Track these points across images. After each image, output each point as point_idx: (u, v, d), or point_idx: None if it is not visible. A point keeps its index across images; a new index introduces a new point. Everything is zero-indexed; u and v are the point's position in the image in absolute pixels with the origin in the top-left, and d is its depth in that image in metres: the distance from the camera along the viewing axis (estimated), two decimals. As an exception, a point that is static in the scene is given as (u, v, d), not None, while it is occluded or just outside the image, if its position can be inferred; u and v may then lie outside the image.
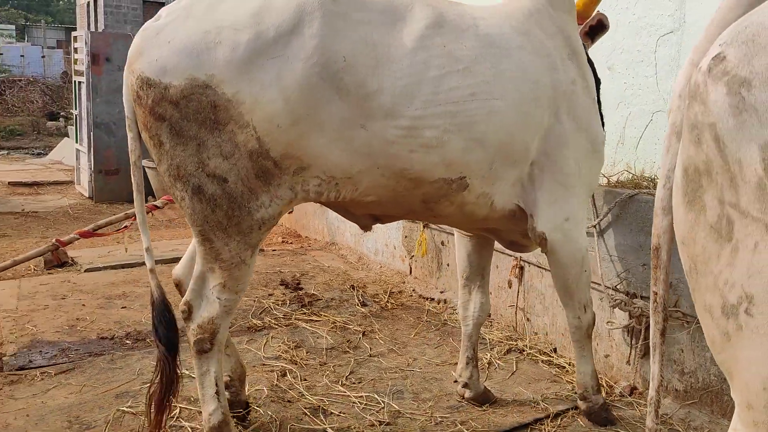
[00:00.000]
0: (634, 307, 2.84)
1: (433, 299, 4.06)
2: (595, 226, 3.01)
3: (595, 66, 2.60)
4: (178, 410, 2.58)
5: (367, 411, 2.66)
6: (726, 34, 0.93)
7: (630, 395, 2.87)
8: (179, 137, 1.86)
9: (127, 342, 3.28)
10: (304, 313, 3.74)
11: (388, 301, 4.03)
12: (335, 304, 3.93)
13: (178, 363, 2.16)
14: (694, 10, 3.16)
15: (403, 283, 4.40)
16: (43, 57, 22.64)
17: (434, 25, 2.05)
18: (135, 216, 4.74)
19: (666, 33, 3.34)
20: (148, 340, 3.28)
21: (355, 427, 2.52)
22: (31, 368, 2.92)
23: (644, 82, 3.42)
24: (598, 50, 3.20)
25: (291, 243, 5.64)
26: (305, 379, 2.91)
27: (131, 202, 6.60)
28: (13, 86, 16.11)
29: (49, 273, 4.40)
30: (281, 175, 1.94)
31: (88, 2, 21.00)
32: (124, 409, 2.58)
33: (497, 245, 2.81)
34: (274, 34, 1.84)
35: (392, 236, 4.64)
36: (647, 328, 2.83)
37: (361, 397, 2.77)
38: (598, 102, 2.51)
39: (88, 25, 20.91)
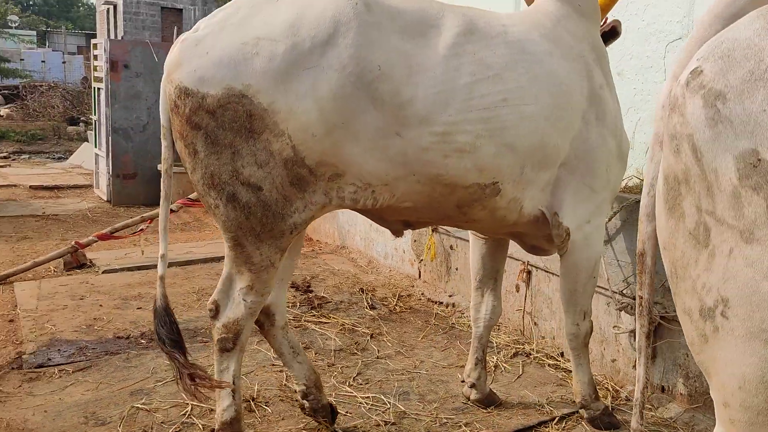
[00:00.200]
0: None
1: (441, 303, 4.10)
2: (601, 232, 3.04)
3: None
4: (189, 408, 2.65)
5: (373, 411, 2.72)
6: (703, 50, 0.98)
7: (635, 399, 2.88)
8: (215, 146, 1.90)
9: (142, 341, 3.37)
10: (314, 315, 3.81)
11: (396, 305, 4.09)
12: (344, 307, 4.00)
13: (187, 356, 2.17)
14: (701, 17, 3.18)
15: (412, 286, 4.45)
16: (63, 63, 23.09)
17: (465, 33, 2.09)
18: (151, 219, 4.88)
19: (675, 39, 3.36)
20: (162, 340, 3.37)
21: (361, 427, 2.58)
22: (50, 366, 3.02)
23: (653, 87, 3.44)
24: (606, 57, 3.23)
25: (302, 246, 5.71)
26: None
27: (148, 205, 6.78)
28: (34, 91, 16.43)
29: (68, 274, 4.51)
30: (316, 181, 1.97)
31: (108, 9, 21.40)
32: (139, 405, 2.66)
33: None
34: (310, 45, 1.88)
35: (402, 240, 4.69)
36: (653, 332, 2.85)
37: (368, 397, 2.83)
38: None
39: (108, 31, 21.30)
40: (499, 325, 3.70)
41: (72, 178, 9.01)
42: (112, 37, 20.14)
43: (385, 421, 2.64)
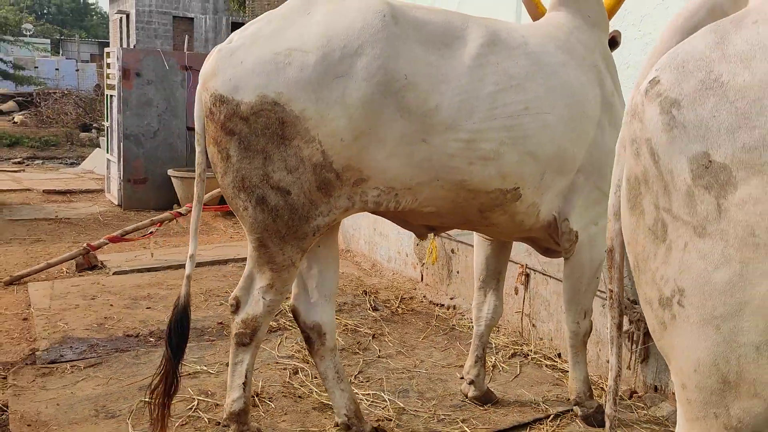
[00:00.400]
0: (634, 312, 2.94)
1: (442, 305, 4.19)
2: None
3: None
4: (196, 402, 2.76)
5: (373, 407, 2.80)
6: (661, 61, 1.07)
7: (630, 398, 2.96)
8: (247, 151, 1.98)
9: (151, 339, 3.48)
10: (318, 317, 3.90)
11: (399, 307, 4.18)
12: (347, 308, 4.09)
13: (180, 368, 2.27)
14: (695, 27, 3.26)
15: (415, 289, 4.54)
16: (77, 70, 23.47)
17: (488, 44, 2.18)
18: (161, 222, 5.00)
19: (670, 48, 3.44)
20: (170, 338, 3.48)
21: (361, 422, 2.66)
22: (62, 362, 3.14)
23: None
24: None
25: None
26: (316, 377, 3.06)
27: (157, 209, 6.92)
28: (48, 98, 16.73)
29: (80, 275, 4.64)
30: (342, 186, 2.06)
31: (121, 18, 21.75)
32: (147, 400, 2.76)
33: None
34: (340, 55, 1.97)
35: (404, 244, 4.79)
36: (646, 333, 2.93)
37: (368, 394, 2.92)
38: None
39: (121, 39, 21.63)
40: (498, 327, 3.78)
41: (84, 182, 9.19)
42: (125, 45, 20.46)
43: (384, 417, 2.72)
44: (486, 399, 2.88)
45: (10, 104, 18.10)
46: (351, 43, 1.98)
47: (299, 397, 2.87)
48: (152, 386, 2.26)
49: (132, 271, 4.73)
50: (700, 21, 1.12)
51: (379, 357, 3.38)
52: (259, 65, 1.96)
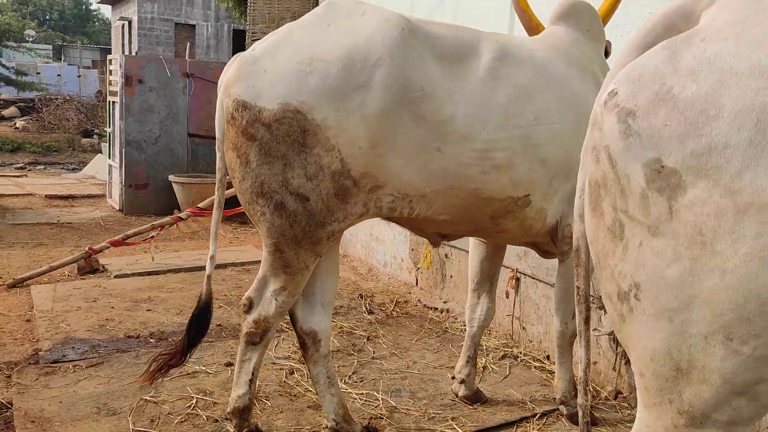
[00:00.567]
0: (619, 316, 3.02)
1: (436, 309, 4.28)
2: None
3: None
4: (194, 400, 2.84)
5: (366, 406, 2.89)
6: (620, 74, 1.17)
7: (615, 399, 3.04)
8: (267, 156, 2.04)
9: (151, 341, 3.57)
10: (314, 319, 3.98)
11: (393, 310, 4.27)
12: (343, 311, 4.18)
13: (189, 354, 2.40)
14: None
15: (410, 293, 4.63)
16: (79, 76, 23.60)
17: (500, 57, 2.28)
18: (161, 227, 5.10)
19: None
20: (170, 339, 3.57)
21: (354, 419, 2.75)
22: (65, 362, 3.23)
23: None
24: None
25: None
26: (311, 378, 3.14)
27: (158, 214, 7.03)
28: (50, 104, 16.85)
29: (81, 278, 4.74)
30: (358, 193, 2.12)
31: (123, 24, 21.93)
32: (147, 398, 2.85)
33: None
34: (360, 66, 2.04)
35: (400, 249, 4.88)
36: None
37: (362, 394, 3.00)
38: None
39: (123, 46, 21.80)
40: (489, 330, 3.86)
41: (86, 188, 9.29)
42: (127, 52, 20.62)
43: (377, 415, 2.81)
44: (475, 398, 2.97)
45: (12, 110, 18.23)
46: (371, 55, 2.06)
47: (294, 396, 2.96)
48: (162, 353, 2.39)
49: (133, 274, 4.83)
50: (656, 37, 1.22)
51: (373, 358, 3.46)
52: (282, 74, 2.02)
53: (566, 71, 2.44)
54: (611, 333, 3.07)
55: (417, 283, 4.67)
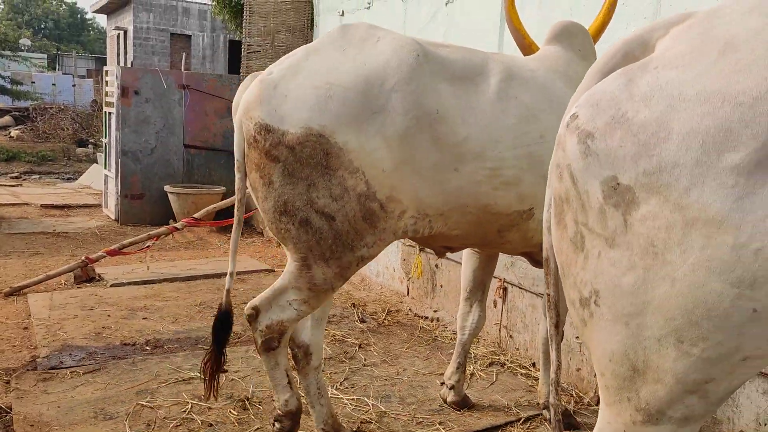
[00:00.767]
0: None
1: (426, 317, 4.37)
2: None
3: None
4: (189, 406, 2.92)
5: (356, 411, 2.98)
6: (581, 99, 1.28)
7: (597, 404, 3.14)
8: (291, 177, 2.07)
9: (147, 348, 3.65)
10: (307, 327, 4.07)
11: (385, 318, 4.36)
12: (336, 320, 4.27)
13: (223, 357, 2.48)
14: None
15: (401, 302, 4.73)
16: (73, 86, 23.70)
17: (507, 79, 2.39)
18: (157, 237, 5.18)
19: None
20: (165, 346, 3.65)
21: (345, 425, 2.83)
22: (62, 368, 3.30)
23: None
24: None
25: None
26: (302, 388, 3.23)
27: (154, 224, 7.12)
28: (44, 114, 16.92)
29: (78, 287, 4.81)
30: (387, 219, 2.17)
31: (119, 34, 22.06)
32: (143, 403, 2.93)
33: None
34: (378, 91, 2.10)
35: (392, 259, 4.98)
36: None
37: (353, 399, 3.09)
38: None
39: (118, 55, 21.92)
40: (478, 338, 3.96)
41: (81, 197, 9.36)
42: (122, 61, 20.73)
43: (367, 420, 2.90)
44: (463, 404, 3.06)
45: (6, 119, 18.29)
46: (388, 80, 2.12)
47: None
48: (204, 363, 2.48)
49: (129, 283, 4.90)
50: (615, 64, 1.33)
51: (364, 365, 3.55)
52: (303, 99, 2.07)
53: (566, 91, 2.56)
54: (593, 340, 3.17)
55: (408, 293, 4.77)
